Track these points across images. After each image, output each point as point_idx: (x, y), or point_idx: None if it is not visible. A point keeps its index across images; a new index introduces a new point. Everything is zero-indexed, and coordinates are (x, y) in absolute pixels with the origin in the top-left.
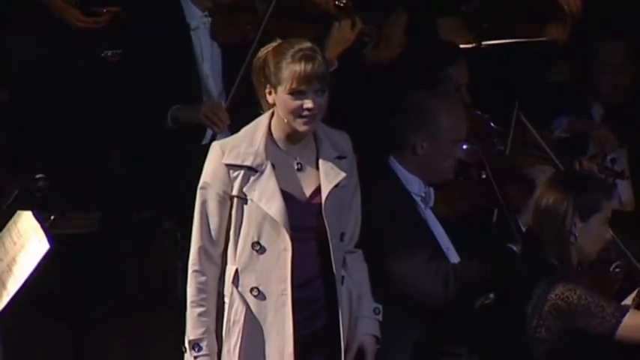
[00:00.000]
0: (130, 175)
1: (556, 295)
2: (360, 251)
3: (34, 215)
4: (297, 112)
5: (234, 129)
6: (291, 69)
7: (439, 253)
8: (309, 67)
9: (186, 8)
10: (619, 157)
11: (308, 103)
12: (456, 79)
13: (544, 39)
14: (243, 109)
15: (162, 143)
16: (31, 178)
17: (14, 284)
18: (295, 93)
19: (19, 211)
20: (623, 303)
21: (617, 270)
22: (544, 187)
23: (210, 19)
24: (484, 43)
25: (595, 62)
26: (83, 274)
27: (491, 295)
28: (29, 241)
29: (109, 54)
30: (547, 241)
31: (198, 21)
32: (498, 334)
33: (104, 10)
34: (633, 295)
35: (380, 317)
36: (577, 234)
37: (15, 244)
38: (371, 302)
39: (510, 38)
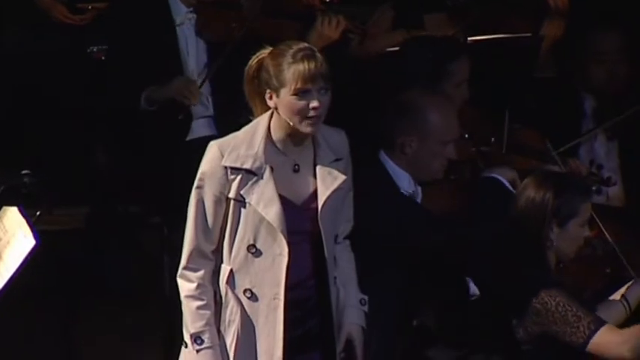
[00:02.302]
0: (117, 171)
1: (535, 299)
2: (347, 241)
3: (20, 211)
4: (303, 113)
5: (221, 135)
6: (294, 69)
7: None
8: (312, 65)
9: (172, 4)
10: (608, 159)
11: (314, 102)
12: (458, 75)
13: (530, 34)
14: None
15: (148, 138)
16: (16, 174)
17: (0, 280)
18: (300, 93)
19: (4, 207)
20: (611, 298)
21: (606, 270)
22: (521, 188)
23: (195, 16)
24: (470, 38)
25: (590, 52)
26: (70, 269)
27: (477, 292)
28: (15, 237)
29: (94, 50)
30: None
31: (184, 17)
32: (487, 328)
33: (89, 7)
34: (622, 290)
35: (365, 308)
36: (554, 239)
37: (0, 240)
38: (357, 292)
39: (496, 34)
